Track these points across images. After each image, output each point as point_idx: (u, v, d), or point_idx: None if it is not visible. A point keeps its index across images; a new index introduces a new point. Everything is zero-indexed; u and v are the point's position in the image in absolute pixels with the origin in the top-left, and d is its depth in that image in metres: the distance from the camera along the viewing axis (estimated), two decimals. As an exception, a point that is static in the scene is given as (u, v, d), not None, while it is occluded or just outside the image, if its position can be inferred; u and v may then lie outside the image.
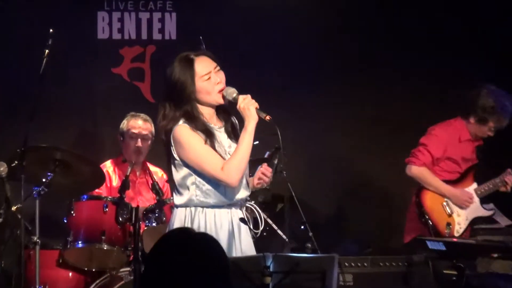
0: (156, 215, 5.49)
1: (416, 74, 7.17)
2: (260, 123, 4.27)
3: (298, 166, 6.78)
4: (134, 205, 5.41)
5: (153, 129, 6.09)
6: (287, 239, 5.74)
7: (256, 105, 4.27)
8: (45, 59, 5.31)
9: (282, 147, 4.65)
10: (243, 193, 4.36)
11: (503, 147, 6.40)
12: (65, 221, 5.62)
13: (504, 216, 6.08)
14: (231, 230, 4.30)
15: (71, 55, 6.88)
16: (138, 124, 6.14)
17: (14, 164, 5.20)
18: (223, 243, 4.16)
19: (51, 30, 5.34)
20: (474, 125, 6.06)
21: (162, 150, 4.41)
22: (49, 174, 5.37)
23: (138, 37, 7.10)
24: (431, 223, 5.90)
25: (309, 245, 5.20)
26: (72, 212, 5.57)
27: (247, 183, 4.40)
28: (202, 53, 4.39)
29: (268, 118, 4.24)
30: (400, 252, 5.73)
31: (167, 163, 4.38)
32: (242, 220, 4.30)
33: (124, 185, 5.47)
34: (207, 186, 4.27)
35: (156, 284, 2.62)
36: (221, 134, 4.36)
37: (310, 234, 5.37)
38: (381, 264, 4.92)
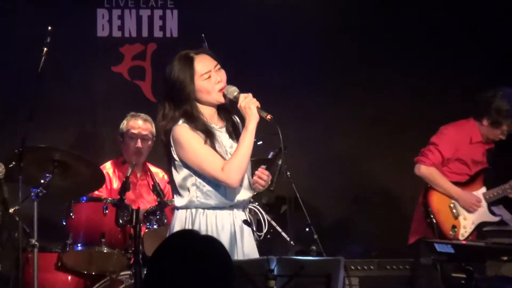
0: (157, 217, 5.43)
1: (416, 74, 7.18)
2: (262, 123, 4.22)
3: (299, 167, 6.77)
4: (134, 207, 5.39)
5: (153, 129, 6.03)
6: (291, 242, 5.69)
7: (257, 104, 4.22)
8: (43, 57, 5.27)
9: (284, 147, 4.58)
10: (245, 194, 4.29)
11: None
12: (64, 223, 5.57)
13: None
14: (233, 232, 4.25)
15: (71, 54, 6.87)
16: (138, 124, 6.09)
17: (11, 165, 5.14)
18: (225, 245, 4.05)
19: (49, 28, 5.31)
20: (487, 127, 6.02)
21: (162, 151, 4.36)
22: (47, 175, 5.31)
23: (139, 34, 7.08)
24: (435, 224, 5.84)
25: (314, 247, 5.18)
26: (71, 214, 5.53)
27: (250, 184, 4.34)
28: (202, 51, 4.34)
29: (269, 117, 4.19)
30: (403, 253, 5.73)
31: (167, 164, 4.34)
32: (245, 222, 4.24)
33: (125, 187, 5.43)
34: (207, 187, 4.22)
35: (158, 288, 2.57)
36: (222, 134, 4.31)
37: (315, 236, 5.33)
38: (388, 267, 4.90)
